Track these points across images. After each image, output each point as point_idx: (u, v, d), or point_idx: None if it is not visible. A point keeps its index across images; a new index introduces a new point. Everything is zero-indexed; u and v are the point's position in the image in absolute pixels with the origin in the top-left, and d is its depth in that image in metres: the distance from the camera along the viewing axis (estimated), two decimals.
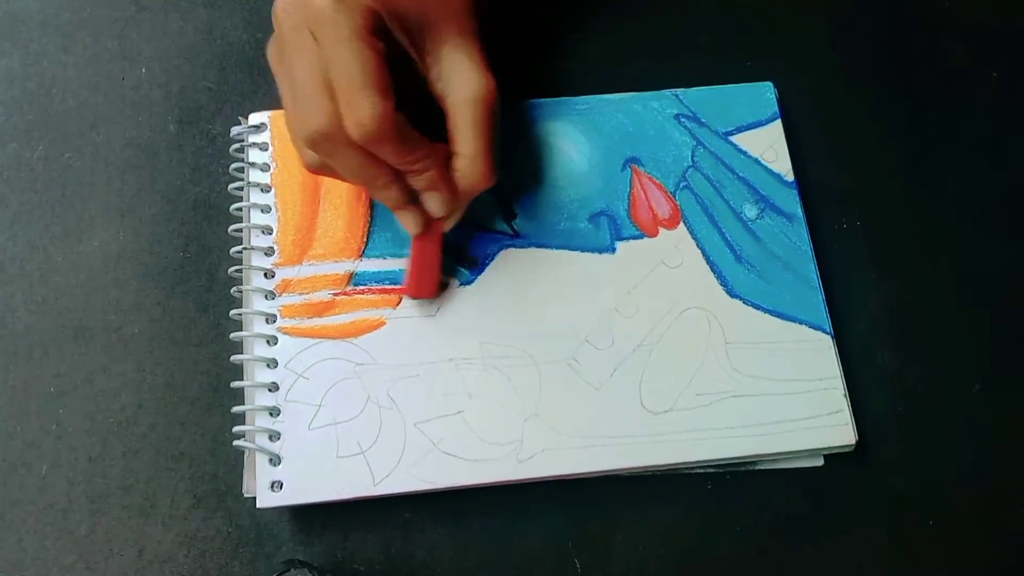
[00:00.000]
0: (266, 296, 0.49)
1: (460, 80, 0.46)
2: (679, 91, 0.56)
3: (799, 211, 0.54)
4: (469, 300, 0.50)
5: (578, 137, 0.55)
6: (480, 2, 0.49)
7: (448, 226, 0.49)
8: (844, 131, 0.57)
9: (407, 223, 0.49)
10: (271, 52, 0.47)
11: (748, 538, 0.49)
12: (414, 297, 0.50)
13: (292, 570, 0.43)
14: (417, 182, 0.46)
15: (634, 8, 0.60)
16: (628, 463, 0.48)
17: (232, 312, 0.49)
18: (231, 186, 0.52)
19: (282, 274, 0.50)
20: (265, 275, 0.50)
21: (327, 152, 0.45)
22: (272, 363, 0.48)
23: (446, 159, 0.47)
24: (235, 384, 0.48)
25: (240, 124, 0.54)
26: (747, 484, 0.50)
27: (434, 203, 0.48)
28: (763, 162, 0.55)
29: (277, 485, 0.46)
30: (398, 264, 0.51)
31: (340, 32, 0.42)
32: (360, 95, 0.42)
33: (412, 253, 0.50)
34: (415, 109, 0.45)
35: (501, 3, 0.57)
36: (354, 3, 0.43)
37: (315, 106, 0.43)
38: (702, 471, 0.50)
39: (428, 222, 0.49)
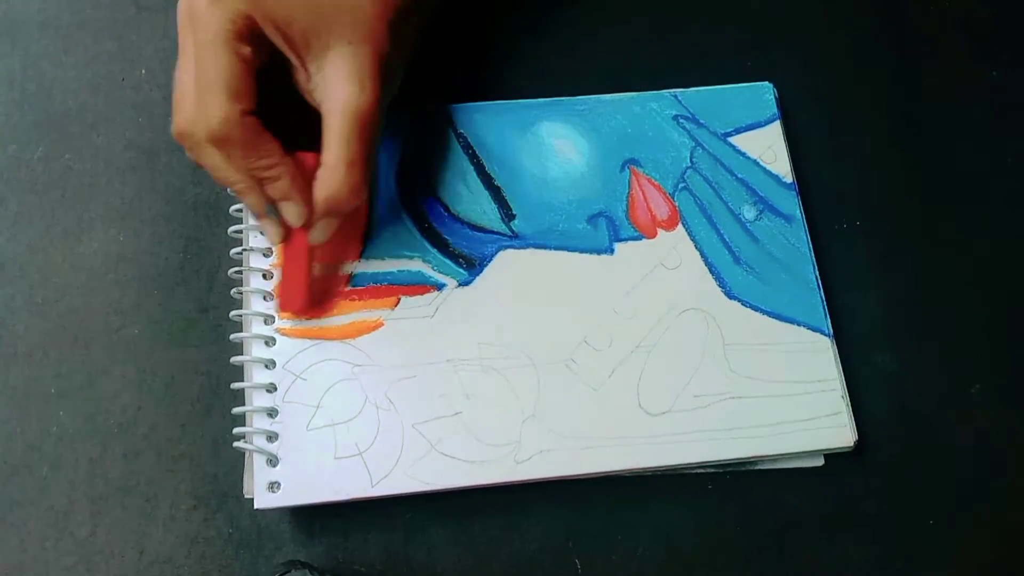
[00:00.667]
0: (265, 298, 0.50)
1: (337, 89, 0.46)
2: (678, 92, 0.56)
3: (798, 212, 0.54)
4: (467, 301, 0.50)
5: (577, 138, 0.55)
6: (413, 16, 0.49)
7: (315, 239, 0.48)
8: (843, 132, 0.57)
9: (266, 232, 0.48)
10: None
11: (748, 538, 0.49)
12: (281, 311, 0.49)
13: (292, 571, 0.43)
14: (271, 190, 0.46)
15: (633, 8, 0.60)
16: (626, 464, 0.48)
17: (232, 313, 0.49)
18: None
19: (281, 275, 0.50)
20: (264, 276, 0.50)
21: (189, 148, 0.45)
22: (271, 364, 0.48)
23: (310, 169, 0.46)
24: (235, 385, 0.48)
25: None
26: (747, 484, 0.50)
27: (289, 212, 0.47)
28: (762, 163, 0.55)
29: (275, 486, 0.46)
30: (396, 265, 0.51)
31: (206, 34, 0.43)
32: (210, 97, 0.43)
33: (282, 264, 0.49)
34: (298, 117, 0.46)
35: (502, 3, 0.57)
36: (227, 6, 0.44)
37: (180, 103, 0.44)
38: (702, 471, 0.50)
39: (289, 233, 0.48)
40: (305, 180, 0.46)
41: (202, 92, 0.43)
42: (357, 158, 0.46)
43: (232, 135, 0.43)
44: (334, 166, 0.45)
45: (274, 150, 0.45)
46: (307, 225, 0.47)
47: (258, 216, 0.48)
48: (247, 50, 0.44)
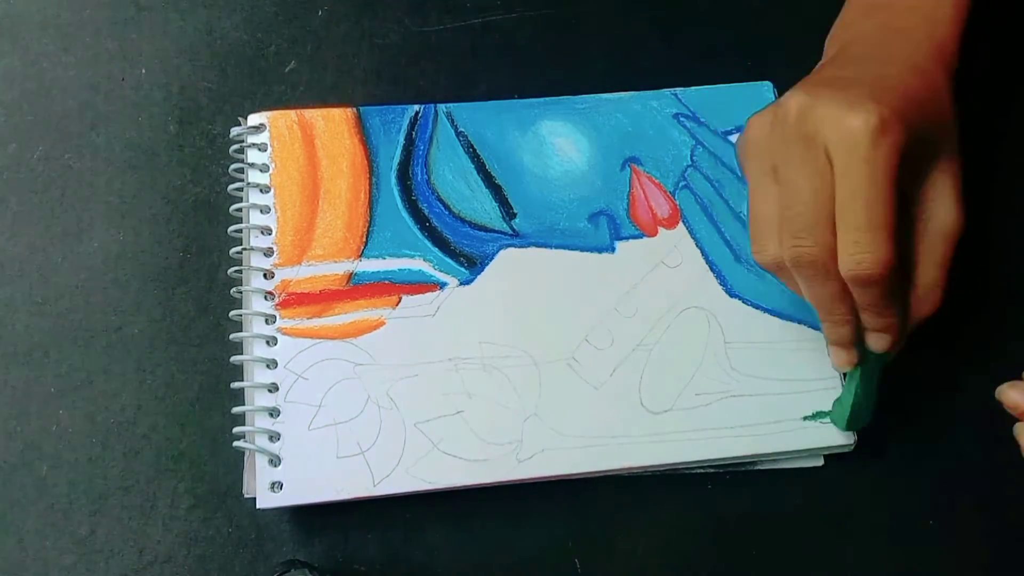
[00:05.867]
0: (265, 297, 0.49)
1: (941, 209, 0.45)
2: (678, 90, 0.56)
3: None
4: (468, 300, 0.50)
5: (577, 137, 0.55)
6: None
7: (890, 358, 0.48)
8: None
9: (841, 360, 0.48)
10: (756, 137, 0.45)
11: (748, 538, 0.49)
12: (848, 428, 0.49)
13: (292, 570, 0.43)
14: (877, 322, 0.45)
15: (634, 8, 0.60)
16: (628, 463, 0.48)
17: (232, 313, 0.49)
18: (231, 187, 0.52)
19: (281, 275, 0.50)
20: (264, 276, 0.50)
21: (804, 274, 0.44)
22: (272, 364, 0.48)
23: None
24: (235, 385, 0.48)
25: (240, 125, 0.54)
26: (747, 484, 0.50)
27: (880, 342, 0.46)
28: None
29: (277, 486, 0.46)
30: (398, 264, 0.51)
31: (874, 171, 0.41)
32: (871, 236, 0.41)
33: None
34: None
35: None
36: (893, 139, 0.41)
37: (810, 230, 0.42)
38: (702, 471, 0.50)
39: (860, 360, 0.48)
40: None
41: (858, 230, 0.41)
42: (947, 278, 0.46)
43: (883, 279, 0.42)
44: (933, 287, 0.46)
45: (900, 295, 0.45)
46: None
47: (841, 345, 0.47)
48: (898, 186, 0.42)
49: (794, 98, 0.43)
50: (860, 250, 0.41)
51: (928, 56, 0.47)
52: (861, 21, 0.51)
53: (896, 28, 0.48)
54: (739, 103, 0.56)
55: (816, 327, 0.51)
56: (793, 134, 0.43)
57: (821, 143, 0.42)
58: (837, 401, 0.49)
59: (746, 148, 0.46)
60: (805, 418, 0.49)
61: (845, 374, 0.49)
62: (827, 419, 0.49)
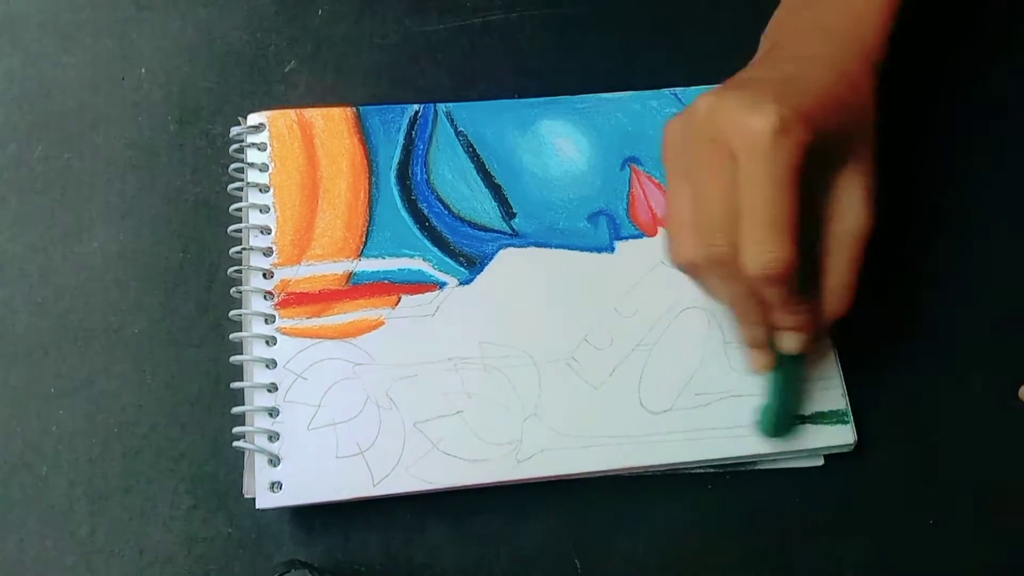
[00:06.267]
0: (265, 296, 0.49)
1: (849, 213, 0.45)
2: (678, 90, 0.56)
3: None
4: (468, 300, 0.50)
5: (577, 136, 0.55)
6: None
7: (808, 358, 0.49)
8: None
9: (757, 362, 0.48)
10: (671, 140, 0.46)
11: (748, 538, 0.49)
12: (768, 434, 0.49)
13: (292, 571, 0.43)
14: (787, 320, 0.45)
15: (634, 7, 0.60)
16: (627, 463, 0.48)
17: (231, 313, 0.49)
18: (230, 186, 0.52)
19: (281, 274, 0.50)
20: (264, 275, 0.50)
21: (714, 273, 0.44)
22: (271, 363, 0.48)
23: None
24: (235, 385, 0.48)
25: (239, 124, 0.54)
26: (747, 484, 0.50)
27: (793, 342, 0.46)
28: None
29: (276, 486, 0.46)
30: (397, 264, 0.51)
31: (773, 169, 0.41)
32: (771, 236, 0.41)
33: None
34: None
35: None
36: (795, 139, 0.41)
37: (720, 230, 0.42)
38: (702, 471, 0.50)
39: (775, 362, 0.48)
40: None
41: (758, 228, 0.41)
42: (857, 279, 0.46)
43: (785, 277, 0.42)
44: (842, 290, 0.46)
45: (808, 289, 0.45)
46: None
47: (755, 345, 0.47)
48: (801, 185, 0.42)
49: (702, 100, 0.43)
50: (762, 249, 0.41)
51: (852, 56, 0.47)
52: (791, 18, 0.51)
53: (823, 26, 0.48)
54: None
55: None
56: (701, 136, 0.43)
57: (726, 144, 0.42)
58: (763, 409, 0.49)
59: (665, 154, 0.46)
60: (805, 417, 0.49)
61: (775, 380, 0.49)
62: (841, 424, 0.49)
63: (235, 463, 0.48)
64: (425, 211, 0.52)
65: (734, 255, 0.42)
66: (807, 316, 0.45)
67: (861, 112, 0.46)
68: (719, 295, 0.46)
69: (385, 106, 0.55)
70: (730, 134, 0.42)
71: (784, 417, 0.48)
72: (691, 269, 0.45)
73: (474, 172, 0.53)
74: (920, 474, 0.50)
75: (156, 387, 0.50)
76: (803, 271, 0.43)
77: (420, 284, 0.50)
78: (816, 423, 0.49)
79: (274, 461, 0.46)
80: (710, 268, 0.44)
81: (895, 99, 0.58)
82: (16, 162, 0.54)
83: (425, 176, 0.53)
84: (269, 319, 0.49)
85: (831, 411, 0.50)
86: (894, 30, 0.48)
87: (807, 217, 0.42)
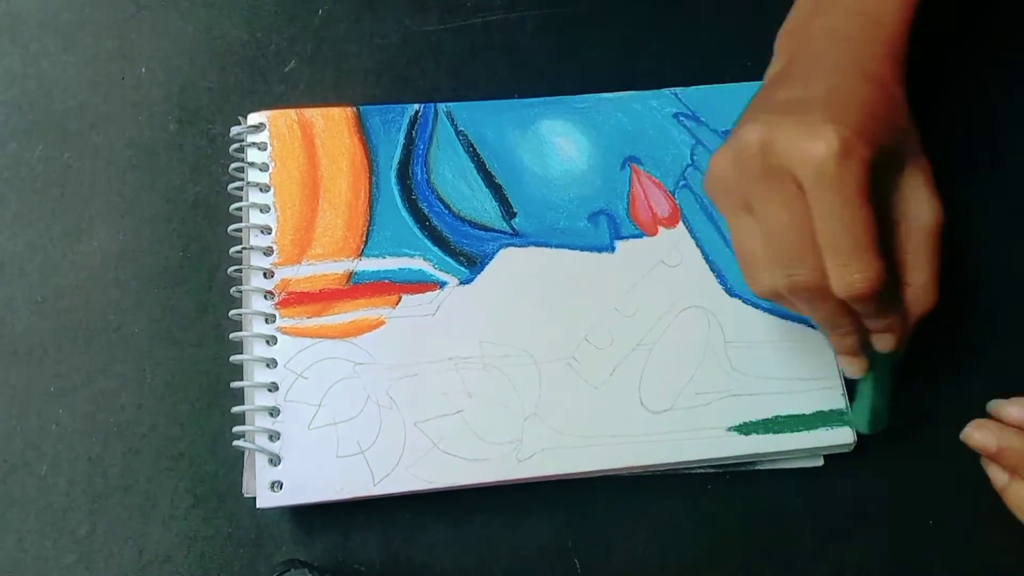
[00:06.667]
0: (265, 296, 0.49)
1: (919, 208, 0.46)
2: (678, 90, 0.56)
3: None
4: (468, 299, 0.50)
5: (577, 136, 0.55)
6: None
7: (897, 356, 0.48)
8: None
9: (852, 368, 0.48)
10: (721, 174, 0.45)
11: (748, 538, 0.49)
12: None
13: (292, 570, 0.43)
14: (879, 324, 0.46)
15: (634, 7, 0.60)
16: (628, 462, 0.48)
17: (232, 312, 0.49)
18: (231, 186, 0.52)
19: (281, 274, 0.50)
20: (264, 275, 0.50)
21: (802, 299, 0.44)
22: (272, 363, 0.48)
23: None
24: (235, 384, 0.48)
25: (239, 124, 0.54)
26: (747, 484, 0.50)
27: (886, 343, 0.46)
28: None
29: (277, 485, 0.46)
30: (397, 263, 0.51)
31: (844, 191, 0.41)
32: (856, 258, 0.41)
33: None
34: None
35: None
36: (858, 157, 0.41)
37: (801, 260, 0.42)
38: (702, 471, 0.50)
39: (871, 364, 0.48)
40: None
41: (843, 252, 0.41)
42: (939, 272, 0.46)
43: (877, 292, 0.42)
44: (926, 285, 0.46)
45: (897, 296, 0.45)
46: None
47: (850, 353, 0.47)
48: (873, 199, 0.42)
49: (752, 131, 0.43)
50: (849, 272, 0.41)
51: (876, 59, 0.46)
52: (806, 27, 0.50)
53: (842, 32, 0.47)
54: (739, 102, 0.55)
55: (815, 326, 0.51)
56: (759, 169, 0.42)
57: (788, 174, 0.41)
58: (856, 405, 0.49)
59: (713, 187, 0.46)
60: (806, 417, 0.49)
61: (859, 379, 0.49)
62: (841, 424, 0.49)
63: (235, 462, 0.48)
64: (425, 211, 0.52)
65: (819, 280, 0.42)
66: (898, 317, 0.46)
67: (898, 110, 0.46)
68: (807, 315, 0.46)
69: (385, 106, 0.55)
70: (792, 164, 0.41)
71: (881, 412, 0.49)
72: (775, 298, 0.45)
73: (474, 172, 0.53)
74: (920, 474, 0.50)
75: (156, 386, 0.50)
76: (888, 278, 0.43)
77: (420, 284, 0.50)
78: (816, 423, 0.49)
79: (274, 460, 0.46)
80: (795, 295, 0.44)
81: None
82: (16, 162, 0.54)
83: (425, 176, 0.53)
84: (269, 318, 0.49)
85: (831, 411, 0.50)
86: (913, 24, 0.48)
87: (884, 227, 0.43)
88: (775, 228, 0.43)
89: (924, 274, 0.46)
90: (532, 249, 0.52)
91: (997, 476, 0.48)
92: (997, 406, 0.49)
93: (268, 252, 0.50)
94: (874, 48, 0.47)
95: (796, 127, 0.42)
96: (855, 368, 0.48)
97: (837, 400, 0.50)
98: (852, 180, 0.41)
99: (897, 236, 0.46)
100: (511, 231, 0.52)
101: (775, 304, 0.51)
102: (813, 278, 0.42)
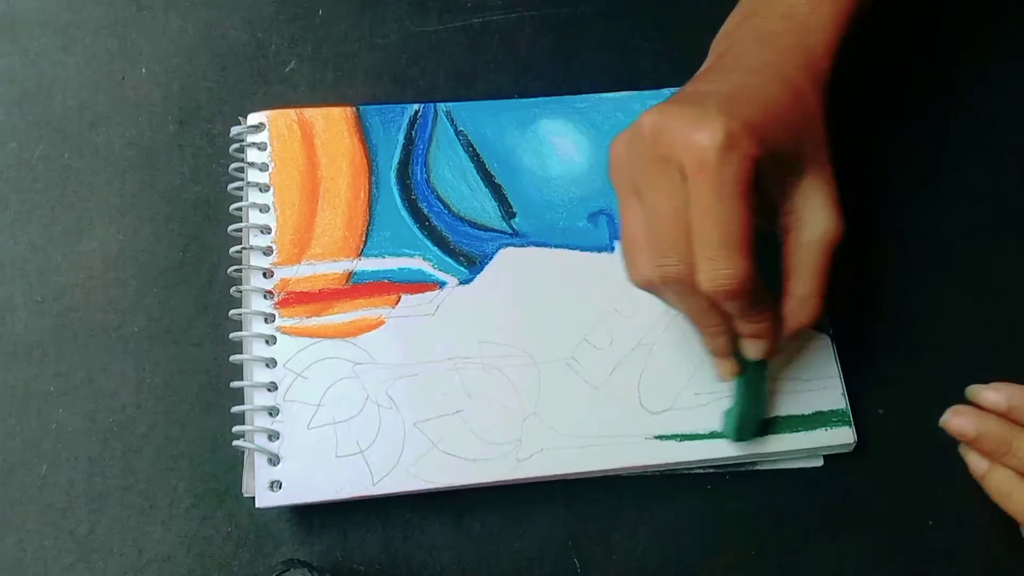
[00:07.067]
0: (265, 295, 0.49)
1: (813, 219, 0.45)
2: (677, 90, 0.56)
3: None
4: (468, 299, 0.50)
5: (577, 136, 0.55)
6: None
7: (769, 365, 0.48)
8: (843, 130, 0.57)
9: (722, 370, 0.47)
10: (618, 158, 0.44)
11: (748, 538, 0.49)
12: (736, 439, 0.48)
13: (292, 570, 0.43)
14: (748, 328, 0.45)
15: (634, 7, 0.60)
16: (628, 462, 0.48)
17: (231, 312, 0.49)
18: (230, 186, 0.52)
19: (281, 273, 0.50)
20: (264, 275, 0.50)
21: (671, 290, 0.44)
22: (271, 363, 0.48)
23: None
24: (235, 384, 0.48)
25: (239, 124, 0.54)
26: (747, 484, 0.50)
27: (755, 349, 0.46)
28: None
29: (276, 485, 0.46)
30: (397, 263, 0.51)
31: (722, 185, 0.40)
32: (724, 254, 0.40)
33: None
34: None
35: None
36: (743, 153, 0.40)
37: (673, 249, 0.41)
38: (702, 471, 0.50)
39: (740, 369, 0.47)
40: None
41: (711, 246, 0.40)
42: (824, 287, 0.45)
43: (742, 293, 0.41)
44: (807, 298, 0.45)
45: (768, 298, 0.44)
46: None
47: (720, 354, 0.47)
48: (755, 199, 0.41)
49: (647, 116, 0.42)
50: (716, 267, 0.40)
51: (796, 64, 0.45)
52: (737, 28, 0.50)
53: (768, 34, 0.47)
54: None
55: (815, 327, 0.51)
56: (648, 154, 0.42)
57: (674, 161, 0.41)
58: (727, 412, 0.48)
59: (611, 172, 0.45)
60: (805, 417, 0.49)
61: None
62: (841, 424, 0.49)
63: (234, 462, 0.48)
64: (425, 210, 0.52)
65: (689, 273, 0.41)
66: (768, 324, 0.45)
67: (809, 121, 0.45)
68: (679, 308, 0.45)
69: (385, 106, 0.55)
70: (677, 151, 0.41)
71: (748, 422, 0.48)
72: (648, 287, 0.44)
73: (474, 172, 0.53)
74: (920, 474, 0.50)
75: (156, 386, 0.50)
76: (764, 280, 0.43)
77: (420, 283, 0.50)
78: (816, 423, 0.49)
79: (274, 460, 0.46)
80: (666, 286, 0.43)
81: (894, 101, 0.58)
82: (16, 162, 0.54)
83: (425, 175, 0.53)
84: (269, 318, 0.49)
85: (831, 411, 0.50)
86: (843, 39, 0.47)
87: (767, 228, 0.43)
88: (655, 214, 0.42)
89: (805, 287, 0.45)
90: (532, 249, 0.52)
91: (976, 463, 0.48)
92: (975, 391, 0.49)
93: (268, 252, 0.50)
94: (796, 54, 0.46)
95: (687, 116, 0.41)
96: (723, 370, 0.47)
97: (837, 400, 0.50)
98: (731, 175, 0.40)
99: (786, 244, 0.45)
100: (511, 231, 0.52)
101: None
102: (683, 270, 0.42)
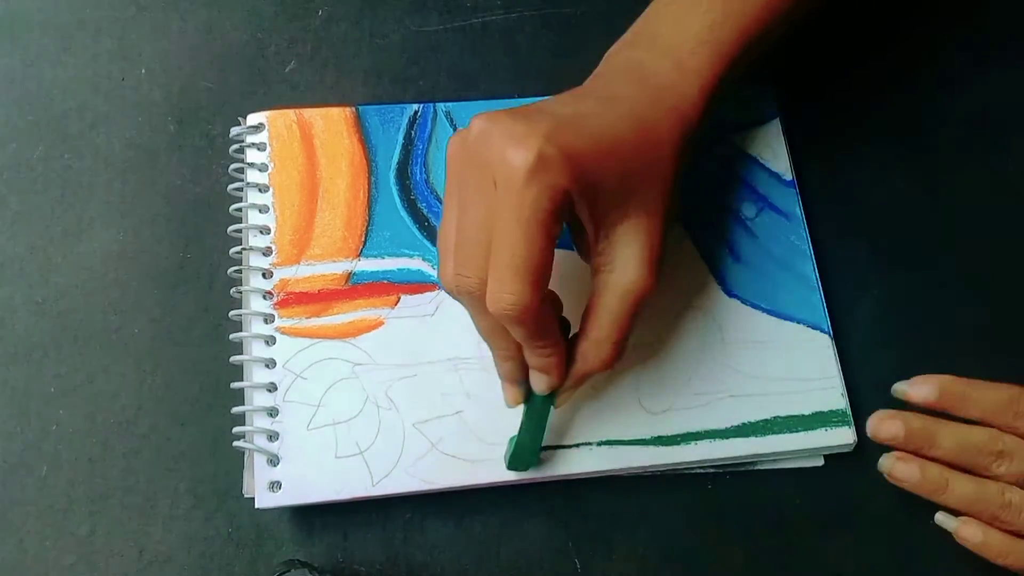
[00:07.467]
0: (264, 296, 0.49)
1: (623, 266, 0.43)
2: None
3: (798, 210, 0.54)
4: None
5: None
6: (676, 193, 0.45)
7: (559, 404, 0.47)
8: (843, 130, 0.57)
9: (506, 395, 0.46)
10: (451, 156, 0.43)
11: (748, 538, 0.49)
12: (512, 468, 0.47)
13: (292, 570, 0.43)
14: (533, 360, 0.44)
15: (634, 7, 0.60)
16: (627, 463, 0.48)
17: (231, 313, 0.49)
18: (230, 186, 0.52)
19: (280, 274, 0.50)
20: (263, 275, 0.50)
21: (466, 305, 0.43)
22: (271, 363, 0.48)
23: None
24: (234, 385, 0.48)
25: (239, 124, 0.54)
26: (747, 484, 0.50)
27: (539, 382, 0.45)
28: (762, 161, 0.54)
29: (276, 485, 0.46)
30: (396, 264, 0.51)
31: (521, 210, 0.39)
32: (511, 279, 0.39)
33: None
34: None
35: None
36: (550, 181, 0.39)
37: (471, 262, 0.41)
38: (702, 471, 0.50)
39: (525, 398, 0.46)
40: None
41: (501, 268, 0.39)
42: (623, 337, 0.44)
43: (523, 322, 0.40)
44: (601, 342, 0.44)
45: (556, 332, 0.43)
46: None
47: (507, 380, 0.46)
48: (558, 231, 0.40)
49: (478, 120, 0.41)
50: (501, 289, 0.39)
51: (662, 106, 0.44)
52: (618, 53, 0.48)
53: (641, 69, 0.45)
54: (739, 102, 0.56)
55: (815, 325, 0.51)
56: (471, 159, 0.41)
57: (490, 173, 0.40)
58: (510, 440, 0.47)
59: (446, 166, 0.44)
60: (805, 417, 0.49)
61: None
62: (841, 424, 0.50)
63: (235, 462, 0.48)
64: (424, 211, 0.52)
65: (482, 290, 0.40)
66: (554, 360, 0.44)
67: (653, 167, 0.43)
68: (475, 325, 0.44)
69: (385, 106, 0.55)
70: (493, 163, 0.40)
71: (525, 452, 0.47)
72: (451, 295, 0.43)
73: None
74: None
75: (156, 387, 0.50)
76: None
77: (419, 284, 0.50)
78: (816, 423, 0.49)
79: (274, 461, 0.46)
80: (460, 297, 0.42)
81: (896, 95, 0.58)
82: (16, 162, 0.54)
83: (424, 176, 0.53)
84: (268, 319, 0.49)
85: (831, 411, 0.50)
86: (723, 83, 0.46)
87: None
88: (464, 223, 0.41)
89: (602, 332, 0.44)
90: None
91: (971, 533, 0.47)
92: (902, 389, 0.49)
93: (267, 252, 0.50)
94: (665, 96, 0.44)
95: (510, 129, 0.40)
96: (508, 398, 0.46)
97: (836, 400, 0.50)
98: (533, 199, 0.39)
99: (594, 283, 0.44)
100: None
101: (774, 304, 0.51)
102: (475, 285, 0.41)
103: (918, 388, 0.49)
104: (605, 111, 0.43)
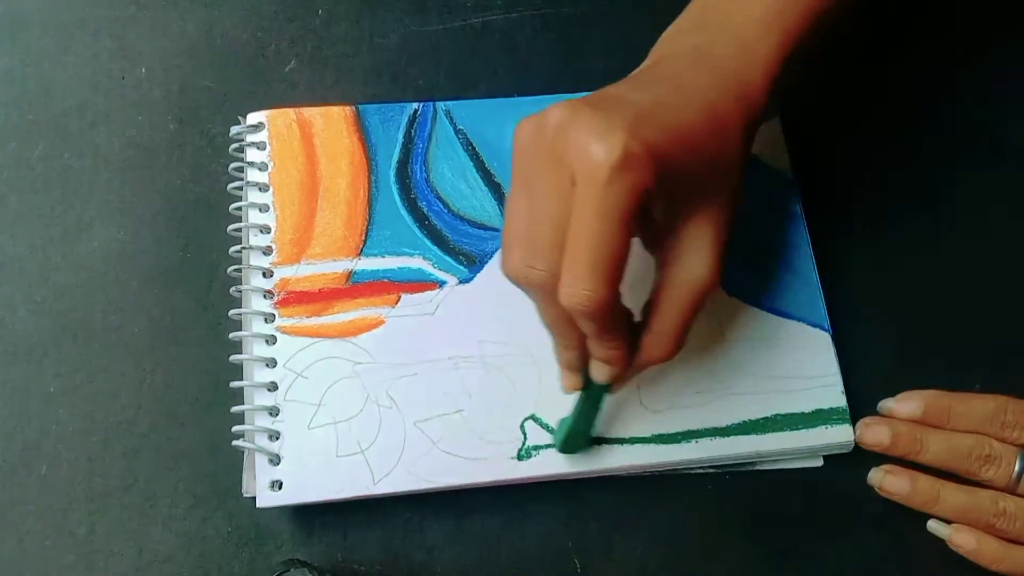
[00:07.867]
0: (265, 295, 0.49)
1: (690, 261, 0.43)
2: None
3: (798, 208, 0.54)
4: (468, 298, 0.50)
5: None
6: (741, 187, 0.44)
7: (614, 390, 0.47)
8: (843, 129, 0.57)
9: (565, 382, 0.46)
10: (522, 144, 0.42)
11: (748, 538, 0.49)
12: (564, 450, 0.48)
13: (292, 570, 0.43)
14: (599, 351, 0.43)
15: (634, 7, 0.60)
16: (628, 462, 0.48)
17: (231, 312, 0.49)
18: (230, 185, 0.52)
19: (280, 273, 0.50)
20: (263, 274, 0.50)
21: (533, 295, 0.42)
22: (271, 362, 0.48)
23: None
24: (235, 384, 0.48)
25: (239, 123, 0.54)
26: (747, 484, 0.50)
27: (602, 372, 0.44)
28: (762, 159, 0.55)
29: (277, 484, 0.46)
30: (397, 262, 0.51)
31: (603, 208, 0.38)
32: (587, 274, 0.38)
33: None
34: None
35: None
36: (635, 178, 0.38)
37: (543, 254, 0.40)
38: (702, 471, 0.49)
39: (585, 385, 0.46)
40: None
41: (577, 262, 0.39)
42: (686, 329, 0.44)
43: (596, 316, 0.39)
44: (665, 334, 0.43)
45: (625, 327, 0.43)
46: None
47: (567, 368, 0.45)
48: (635, 226, 0.39)
49: (556, 110, 0.40)
50: (577, 284, 0.39)
51: (727, 93, 0.43)
52: (680, 37, 0.47)
53: (708, 55, 0.44)
54: None
55: (816, 324, 0.51)
56: (547, 151, 0.40)
57: (568, 166, 0.39)
58: (561, 421, 0.47)
59: (514, 154, 0.43)
60: (805, 415, 0.49)
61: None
62: (841, 423, 0.49)
63: (234, 462, 0.48)
64: (425, 209, 0.52)
65: (553, 282, 0.40)
66: (620, 352, 0.43)
67: (724, 157, 0.42)
68: (539, 313, 0.44)
69: (384, 104, 0.55)
70: (573, 156, 0.39)
71: (577, 438, 0.47)
72: (518, 284, 0.43)
73: (473, 170, 0.53)
74: None
75: (156, 386, 0.50)
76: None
77: (420, 283, 0.50)
78: (816, 421, 0.49)
79: (274, 460, 0.46)
80: (528, 288, 0.42)
81: (896, 94, 0.58)
82: (16, 162, 0.54)
83: (424, 174, 0.53)
84: (269, 318, 0.49)
85: (831, 409, 0.50)
86: (786, 70, 0.45)
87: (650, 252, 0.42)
88: (537, 214, 0.40)
89: (666, 324, 0.44)
90: None
91: (965, 540, 0.48)
92: (888, 406, 0.50)
93: (267, 251, 0.50)
94: (733, 84, 0.43)
95: (592, 122, 0.39)
96: (566, 384, 0.46)
97: (837, 399, 0.50)
98: (617, 197, 0.38)
99: (659, 277, 0.44)
100: None
101: (775, 302, 0.51)
102: (547, 278, 0.40)
103: (904, 404, 0.50)
104: (677, 100, 0.42)
